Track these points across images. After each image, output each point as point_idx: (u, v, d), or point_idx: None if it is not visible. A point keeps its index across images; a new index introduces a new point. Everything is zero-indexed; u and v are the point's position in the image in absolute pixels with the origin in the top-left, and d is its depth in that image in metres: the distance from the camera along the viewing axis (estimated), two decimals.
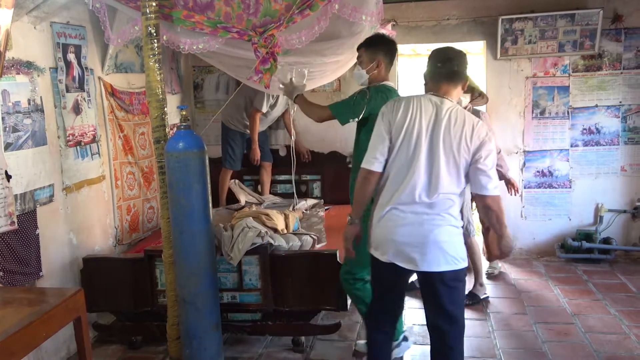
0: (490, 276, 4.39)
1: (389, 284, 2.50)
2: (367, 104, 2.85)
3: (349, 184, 2.96)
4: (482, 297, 3.98)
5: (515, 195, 4.28)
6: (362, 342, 3.33)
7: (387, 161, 2.36)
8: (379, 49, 2.95)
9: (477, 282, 4.02)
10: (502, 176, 4.03)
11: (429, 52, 2.51)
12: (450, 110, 2.31)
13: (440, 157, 2.26)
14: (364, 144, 2.92)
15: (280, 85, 3.22)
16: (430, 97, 2.36)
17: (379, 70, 2.96)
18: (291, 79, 3.17)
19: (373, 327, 2.63)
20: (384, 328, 2.59)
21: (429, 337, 2.53)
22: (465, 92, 3.89)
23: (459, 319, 2.40)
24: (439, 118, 2.28)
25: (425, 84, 2.46)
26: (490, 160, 2.27)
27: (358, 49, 3.00)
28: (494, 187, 2.28)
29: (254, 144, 4.70)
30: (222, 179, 4.84)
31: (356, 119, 2.91)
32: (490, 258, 2.62)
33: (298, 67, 3.21)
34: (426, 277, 2.35)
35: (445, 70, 2.37)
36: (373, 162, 2.35)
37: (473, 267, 4.00)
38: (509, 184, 4.18)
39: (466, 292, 4.17)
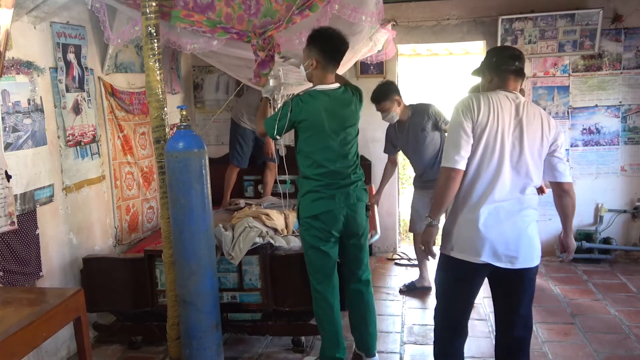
0: None
1: (473, 287, 2.45)
2: (290, 117, 2.77)
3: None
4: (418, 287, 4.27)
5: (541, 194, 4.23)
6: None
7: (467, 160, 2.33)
8: (314, 46, 2.77)
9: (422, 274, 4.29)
10: None
11: (488, 50, 2.53)
12: (525, 104, 2.34)
13: (526, 151, 2.29)
14: (298, 153, 2.90)
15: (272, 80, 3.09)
16: (506, 93, 2.35)
17: (315, 71, 2.82)
18: (268, 79, 3.05)
19: (452, 336, 2.53)
20: (463, 334, 2.54)
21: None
22: None
23: (531, 318, 2.46)
24: (519, 114, 2.31)
25: (489, 82, 2.42)
26: (563, 148, 2.39)
27: None
28: (569, 173, 2.42)
29: (267, 138, 4.67)
30: (228, 175, 4.82)
31: (279, 135, 2.82)
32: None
33: (277, 67, 3.09)
34: (515, 275, 2.34)
35: (514, 67, 2.37)
36: (459, 160, 2.27)
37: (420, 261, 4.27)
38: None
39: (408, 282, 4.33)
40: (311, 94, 2.82)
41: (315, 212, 2.84)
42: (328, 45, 2.77)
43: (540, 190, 4.05)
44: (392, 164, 4.27)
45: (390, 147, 4.18)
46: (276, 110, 3.06)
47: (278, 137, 2.85)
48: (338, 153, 2.85)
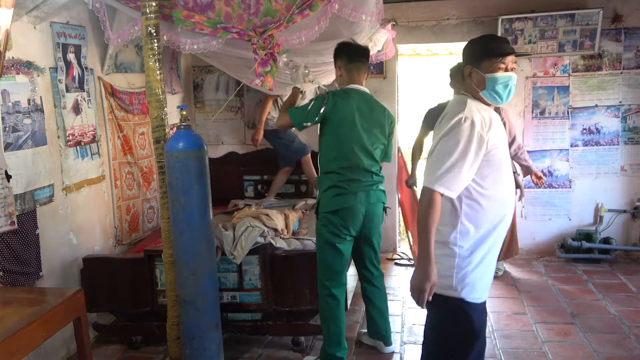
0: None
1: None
2: (325, 109, 2.87)
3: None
4: None
5: (541, 186, 4.24)
6: (364, 330, 3.40)
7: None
8: (336, 57, 3.06)
9: None
10: (528, 171, 4.02)
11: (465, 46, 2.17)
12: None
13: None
14: (323, 147, 2.99)
15: (288, 70, 3.16)
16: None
17: (341, 76, 3.04)
18: (298, 68, 3.14)
19: None
20: None
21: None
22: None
23: None
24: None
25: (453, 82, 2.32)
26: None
27: None
28: None
29: (259, 124, 4.66)
30: (280, 176, 4.84)
31: (309, 123, 2.91)
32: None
33: (306, 63, 3.22)
34: None
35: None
36: None
37: None
38: (538, 177, 4.10)
39: None
40: (345, 91, 2.98)
41: (336, 207, 2.91)
42: (345, 49, 3.03)
43: (537, 178, 4.05)
44: (421, 146, 4.19)
45: (426, 129, 4.08)
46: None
47: (307, 125, 2.92)
48: (365, 149, 2.94)
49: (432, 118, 3.78)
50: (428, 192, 1.91)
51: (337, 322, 3.02)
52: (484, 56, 2.01)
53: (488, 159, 1.96)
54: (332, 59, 3.13)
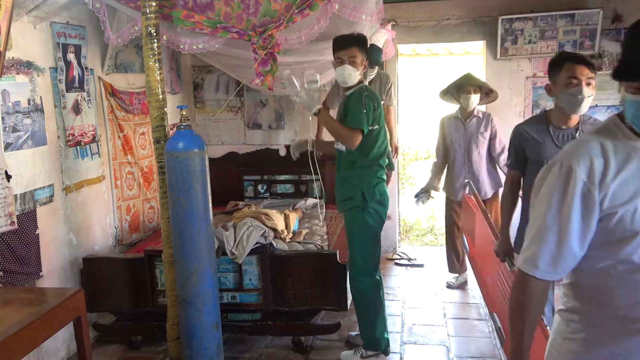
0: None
1: None
2: (374, 110, 2.93)
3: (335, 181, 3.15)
4: None
5: None
6: (354, 333, 3.39)
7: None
8: (366, 49, 3.02)
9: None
10: None
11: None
12: None
13: None
14: (371, 142, 3.00)
15: (296, 99, 2.92)
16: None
17: (364, 68, 3.03)
18: (303, 86, 2.87)
19: None
20: None
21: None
22: (474, 92, 3.91)
23: None
24: None
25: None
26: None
27: (349, 46, 2.83)
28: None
29: (319, 133, 4.49)
30: None
31: (371, 127, 2.94)
32: None
33: (308, 70, 2.96)
34: None
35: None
36: None
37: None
38: None
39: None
40: (368, 89, 3.02)
41: (382, 198, 3.06)
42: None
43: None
44: (515, 187, 2.73)
45: (520, 159, 2.69)
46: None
47: (371, 128, 2.93)
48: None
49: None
50: (517, 273, 1.38)
51: (384, 305, 3.16)
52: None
53: (606, 226, 1.25)
54: (332, 59, 3.15)
